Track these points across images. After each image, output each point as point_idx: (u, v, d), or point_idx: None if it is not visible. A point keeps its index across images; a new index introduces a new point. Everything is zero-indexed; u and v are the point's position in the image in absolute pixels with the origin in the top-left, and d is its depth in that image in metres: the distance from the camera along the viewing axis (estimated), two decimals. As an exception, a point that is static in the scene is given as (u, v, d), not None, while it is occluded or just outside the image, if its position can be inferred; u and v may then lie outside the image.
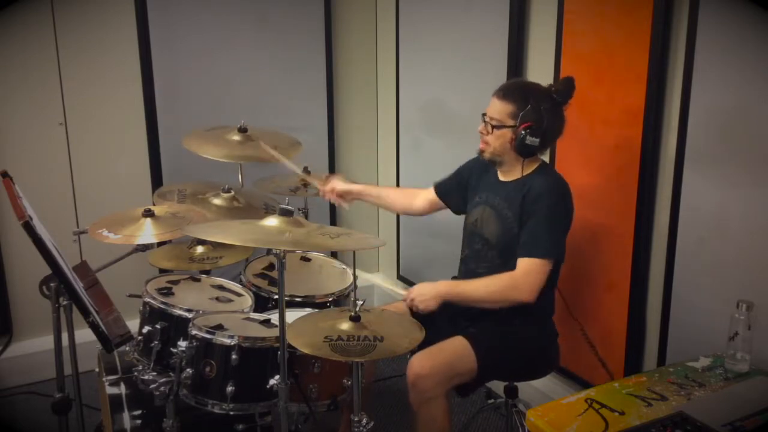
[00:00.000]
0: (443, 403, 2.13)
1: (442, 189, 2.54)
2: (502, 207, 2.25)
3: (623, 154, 2.35)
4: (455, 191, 2.48)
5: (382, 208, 2.75)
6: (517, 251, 2.16)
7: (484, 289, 2.17)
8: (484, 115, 2.23)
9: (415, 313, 2.31)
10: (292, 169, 2.67)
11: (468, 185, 2.45)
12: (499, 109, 2.18)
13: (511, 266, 2.19)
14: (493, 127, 2.19)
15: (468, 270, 2.36)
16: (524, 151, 2.16)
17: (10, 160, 2.99)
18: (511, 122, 2.16)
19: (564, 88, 2.17)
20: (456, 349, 2.16)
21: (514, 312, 2.21)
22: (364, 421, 1.95)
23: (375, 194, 2.68)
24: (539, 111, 2.13)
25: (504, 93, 2.18)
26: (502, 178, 2.30)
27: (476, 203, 2.36)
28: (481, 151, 2.26)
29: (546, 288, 2.15)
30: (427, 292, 2.19)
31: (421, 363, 2.10)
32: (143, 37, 3.14)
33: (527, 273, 2.12)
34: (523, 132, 2.13)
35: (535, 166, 2.25)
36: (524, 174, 2.23)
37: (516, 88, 2.18)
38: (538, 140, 2.13)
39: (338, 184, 2.62)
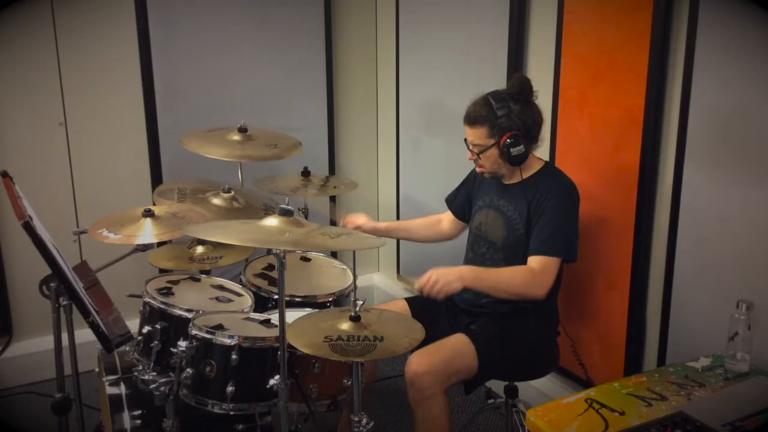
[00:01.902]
0: (442, 400, 2.12)
1: (453, 204, 2.55)
2: (507, 209, 2.26)
3: (623, 155, 2.35)
4: (467, 203, 2.48)
5: (413, 241, 2.76)
6: (531, 249, 2.16)
7: (506, 280, 2.15)
8: (465, 140, 2.25)
9: (417, 309, 2.31)
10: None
11: (472, 191, 2.46)
12: (474, 134, 2.21)
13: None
14: (478, 153, 2.22)
15: None
16: (515, 161, 2.18)
17: (10, 160, 2.99)
18: (491, 141, 2.19)
19: (519, 88, 2.19)
20: (455, 346, 2.16)
21: (516, 310, 2.22)
22: (364, 421, 1.95)
23: (403, 228, 2.69)
24: (510, 118, 2.15)
25: (471, 120, 2.21)
26: (505, 181, 2.31)
27: (480, 207, 2.37)
28: (481, 173, 2.30)
29: (553, 286, 2.16)
30: (451, 275, 2.11)
31: (419, 361, 2.10)
32: (143, 37, 3.14)
33: (544, 270, 2.13)
34: (506, 143, 2.14)
35: (539, 167, 2.26)
36: (528, 175, 2.24)
37: (479, 109, 2.19)
38: (522, 147, 2.15)
39: (364, 222, 2.58)
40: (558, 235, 2.15)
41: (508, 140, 2.14)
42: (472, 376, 2.17)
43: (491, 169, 2.26)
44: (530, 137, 2.19)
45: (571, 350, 2.48)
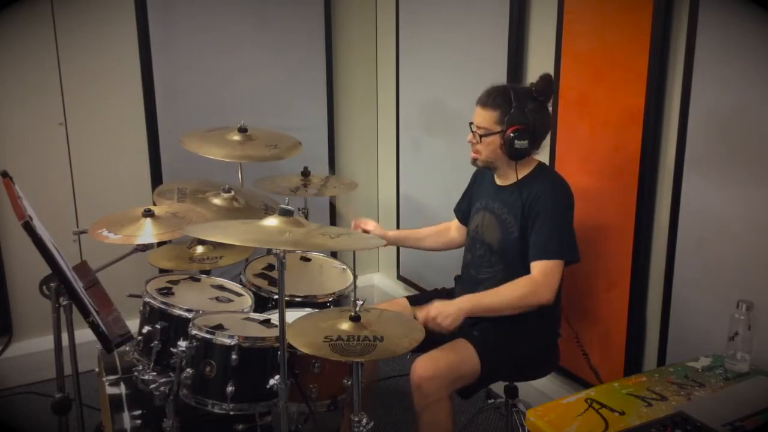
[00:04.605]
0: (447, 405, 2.12)
1: (460, 213, 2.54)
2: (501, 211, 2.25)
3: (623, 155, 2.35)
4: (470, 210, 2.47)
5: (422, 250, 2.72)
6: (531, 255, 2.15)
7: (507, 298, 2.14)
8: (471, 124, 2.24)
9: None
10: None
11: (472, 195, 2.46)
12: (484, 117, 2.19)
13: (512, 270, 2.20)
14: (481, 136, 2.20)
15: (469, 276, 2.36)
16: (515, 155, 2.17)
17: (10, 160, 2.99)
18: (497, 128, 2.17)
19: (543, 87, 2.19)
20: (459, 351, 2.15)
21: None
22: (364, 421, 1.95)
23: (411, 238, 2.66)
24: (524, 113, 2.14)
25: (486, 101, 2.19)
26: (499, 182, 2.31)
27: (477, 209, 2.37)
28: (474, 160, 2.28)
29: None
30: (451, 310, 2.12)
31: (424, 366, 2.09)
32: (143, 37, 3.14)
33: (546, 275, 2.12)
34: (511, 135, 2.14)
35: (532, 167, 2.25)
36: (521, 177, 2.23)
37: (497, 94, 2.18)
38: (526, 142, 2.15)
39: (373, 228, 2.55)
40: (555, 238, 2.14)
41: (514, 132, 2.14)
42: (475, 380, 2.17)
43: (486, 158, 2.23)
44: (534, 138, 2.18)
45: (575, 341, 2.47)
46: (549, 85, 2.19)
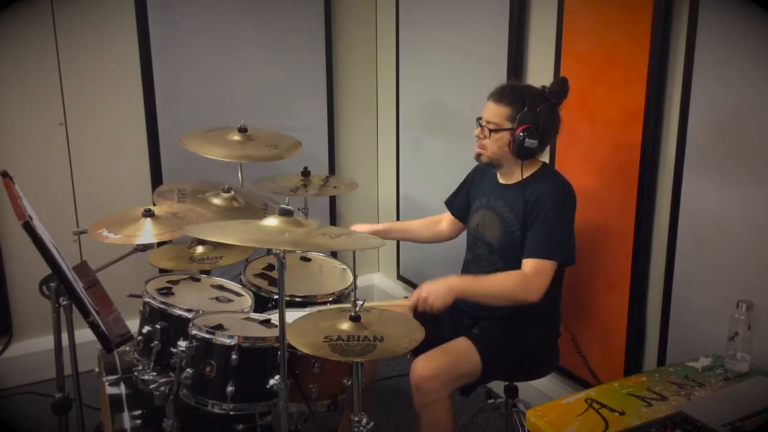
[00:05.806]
0: (447, 404, 2.12)
1: (454, 206, 2.54)
2: (503, 210, 2.25)
3: (623, 154, 2.35)
4: (468, 204, 2.47)
5: (410, 242, 2.75)
6: (525, 252, 2.15)
7: (497, 288, 2.15)
8: (479, 119, 2.23)
9: (418, 313, 2.31)
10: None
11: (471, 191, 2.45)
12: (495, 112, 2.18)
13: (513, 268, 2.19)
14: (491, 131, 2.19)
15: (470, 274, 2.36)
16: (523, 154, 2.17)
17: (10, 160, 2.98)
18: (508, 125, 2.16)
19: (558, 89, 2.19)
20: (459, 350, 2.15)
21: (517, 312, 2.21)
22: (364, 421, 1.95)
23: (401, 229, 2.68)
24: (536, 112, 2.14)
25: (499, 96, 2.19)
26: (502, 181, 2.30)
27: (477, 207, 2.37)
28: (478, 155, 2.27)
29: (550, 288, 2.15)
30: (441, 289, 2.12)
31: (424, 365, 2.09)
32: (143, 37, 3.14)
33: (537, 273, 2.12)
34: (521, 134, 2.13)
35: (536, 167, 2.25)
36: (525, 176, 2.23)
37: (511, 91, 2.18)
38: (536, 141, 2.14)
39: (362, 228, 2.54)
40: (552, 238, 2.14)
41: (525, 131, 2.13)
42: (475, 379, 2.17)
43: (492, 155, 2.23)
44: (542, 140, 2.18)
45: (572, 343, 2.48)
46: (563, 88, 2.19)
